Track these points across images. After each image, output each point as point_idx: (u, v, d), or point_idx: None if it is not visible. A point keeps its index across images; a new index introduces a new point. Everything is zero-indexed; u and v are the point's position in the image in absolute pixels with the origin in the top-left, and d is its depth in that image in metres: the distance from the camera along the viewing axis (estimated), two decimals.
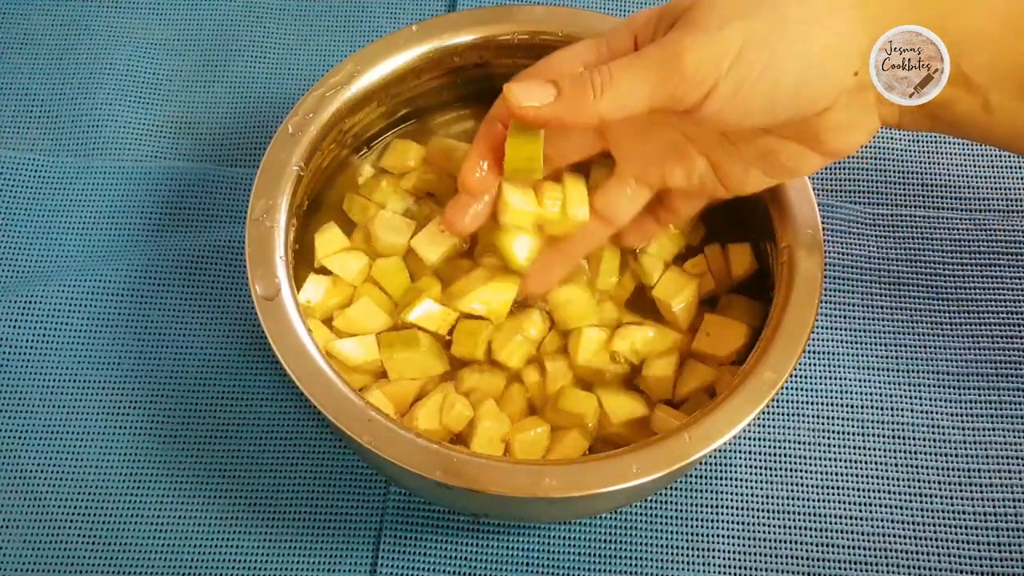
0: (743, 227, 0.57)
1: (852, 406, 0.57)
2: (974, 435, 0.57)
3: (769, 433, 0.57)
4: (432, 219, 0.56)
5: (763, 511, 0.55)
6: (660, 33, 0.44)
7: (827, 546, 0.54)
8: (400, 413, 0.52)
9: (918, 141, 0.66)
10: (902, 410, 0.57)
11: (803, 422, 0.57)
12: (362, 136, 0.59)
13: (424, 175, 0.59)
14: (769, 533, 0.54)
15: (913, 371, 0.58)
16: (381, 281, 0.55)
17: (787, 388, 0.58)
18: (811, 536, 0.54)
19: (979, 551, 0.54)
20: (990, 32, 0.42)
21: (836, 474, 0.56)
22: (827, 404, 0.57)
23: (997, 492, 0.55)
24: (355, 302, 0.54)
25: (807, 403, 0.57)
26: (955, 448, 0.56)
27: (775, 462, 0.56)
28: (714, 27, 0.41)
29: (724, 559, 0.54)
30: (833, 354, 0.59)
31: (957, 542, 0.54)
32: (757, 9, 0.42)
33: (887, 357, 0.59)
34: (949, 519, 0.54)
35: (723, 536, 0.54)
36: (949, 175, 0.65)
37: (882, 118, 0.45)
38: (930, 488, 0.55)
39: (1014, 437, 0.57)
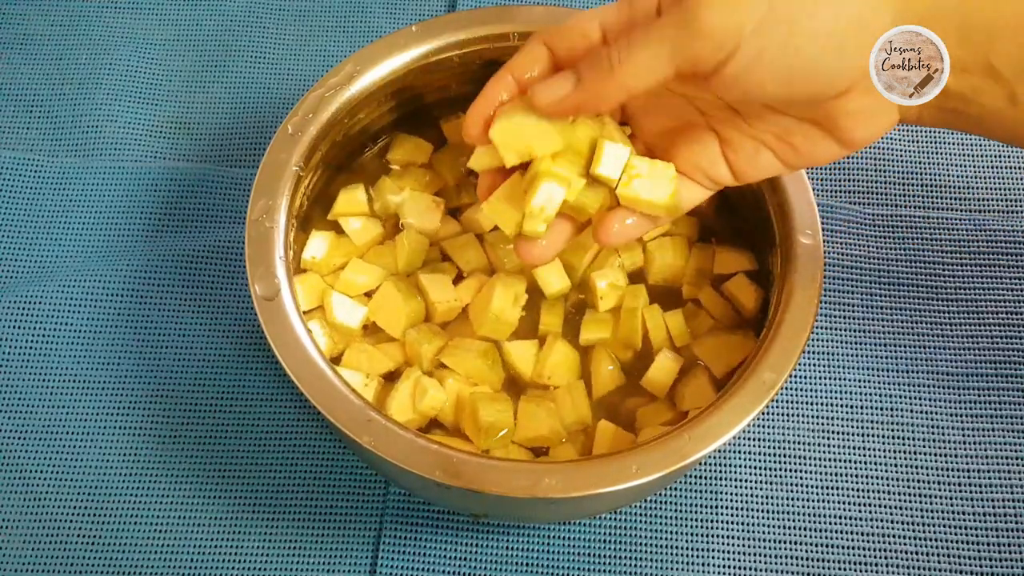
0: (743, 228, 0.57)
1: (852, 406, 0.57)
2: (974, 435, 0.57)
3: (769, 433, 0.57)
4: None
5: (763, 511, 0.55)
6: None
7: (827, 546, 0.54)
8: (376, 379, 0.53)
9: (918, 141, 0.66)
10: (902, 410, 0.57)
11: (803, 422, 0.57)
12: (365, 135, 0.59)
13: (433, 171, 0.59)
14: (768, 533, 0.54)
15: (913, 371, 0.58)
16: (404, 251, 0.56)
17: (787, 388, 0.58)
18: (811, 536, 0.54)
19: (979, 551, 0.54)
20: (1022, 22, 0.40)
21: (836, 474, 0.56)
22: (827, 404, 0.57)
23: (997, 492, 0.55)
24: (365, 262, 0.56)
25: (807, 403, 0.57)
26: (955, 448, 0.56)
27: (775, 462, 0.56)
28: None
29: (723, 559, 0.54)
30: (833, 354, 0.59)
31: (957, 542, 0.54)
32: None
33: (887, 357, 0.59)
34: (949, 519, 0.54)
35: (722, 536, 0.54)
36: (949, 175, 0.65)
37: (901, 111, 0.44)
38: (930, 488, 0.55)
39: (1014, 437, 0.57)
